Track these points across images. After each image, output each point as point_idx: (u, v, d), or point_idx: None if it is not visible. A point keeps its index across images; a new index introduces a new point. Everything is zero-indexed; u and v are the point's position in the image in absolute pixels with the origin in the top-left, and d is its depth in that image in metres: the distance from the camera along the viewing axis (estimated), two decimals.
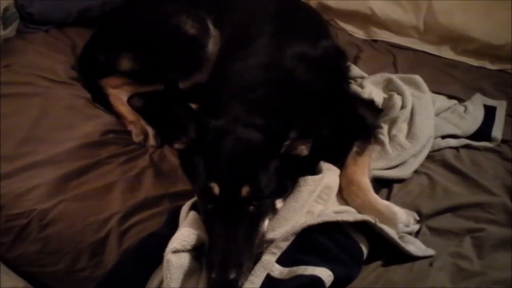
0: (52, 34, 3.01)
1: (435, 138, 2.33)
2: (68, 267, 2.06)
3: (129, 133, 2.47)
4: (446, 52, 3.03)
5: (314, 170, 1.95)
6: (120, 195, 2.13)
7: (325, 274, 1.64)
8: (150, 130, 2.48)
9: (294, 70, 2.09)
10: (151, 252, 1.75)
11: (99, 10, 3.07)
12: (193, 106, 1.95)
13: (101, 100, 2.60)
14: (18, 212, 2.11)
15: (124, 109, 2.58)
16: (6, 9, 2.90)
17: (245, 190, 1.68)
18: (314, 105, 1.80)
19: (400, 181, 2.16)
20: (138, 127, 2.49)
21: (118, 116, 2.55)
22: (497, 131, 2.41)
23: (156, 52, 2.58)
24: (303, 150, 1.83)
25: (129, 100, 2.62)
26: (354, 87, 2.51)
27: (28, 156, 2.26)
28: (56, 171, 2.20)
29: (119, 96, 2.61)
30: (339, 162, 2.05)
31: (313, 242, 1.74)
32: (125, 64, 2.63)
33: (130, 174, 2.23)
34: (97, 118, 2.49)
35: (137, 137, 2.45)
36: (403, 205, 1.99)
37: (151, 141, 2.45)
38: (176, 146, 1.86)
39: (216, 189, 1.68)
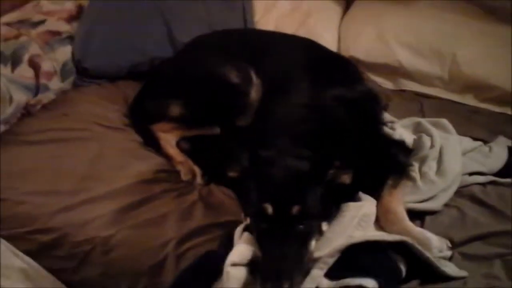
0: (105, 86, 3.24)
1: (463, 175, 2.43)
2: None
3: (178, 172, 2.63)
4: (469, 100, 3.13)
5: (354, 199, 2.11)
6: (174, 224, 2.29)
7: (371, 283, 1.79)
8: (197, 170, 2.63)
9: (333, 110, 2.29)
10: (207, 269, 1.92)
11: (148, 65, 3.25)
12: None
13: (152, 143, 2.78)
14: (82, 239, 2.27)
15: (173, 151, 2.74)
16: (64, 64, 3.16)
17: (295, 209, 1.85)
18: (352, 141, 2.01)
19: (431, 213, 2.27)
20: (186, 167, 2.64)
21: (167, 157, 2.71)
22: None
23: (203, 100, 2.76)
24: (346, 178, 2.00)
25: (178, 144, 2.79)
26: (386, 129, 2.63)
27: (88, 191, 2.44)
28: (115, 204, 2.37)
29: (169, 139, 2.78)
30: (375, 194, 2.18)
31: (356, 260, 1.88)
32: (175, 110, 2.79)
33: (182, 206, 2.38)
34: (149, 159, 2.67)
35: (185, 176, 2.60)
36: (435, 234, 2.09)
37: (199, 179, 2.59)
38: (231, 174, 2.05)
39: (269, 209, 1.86)
